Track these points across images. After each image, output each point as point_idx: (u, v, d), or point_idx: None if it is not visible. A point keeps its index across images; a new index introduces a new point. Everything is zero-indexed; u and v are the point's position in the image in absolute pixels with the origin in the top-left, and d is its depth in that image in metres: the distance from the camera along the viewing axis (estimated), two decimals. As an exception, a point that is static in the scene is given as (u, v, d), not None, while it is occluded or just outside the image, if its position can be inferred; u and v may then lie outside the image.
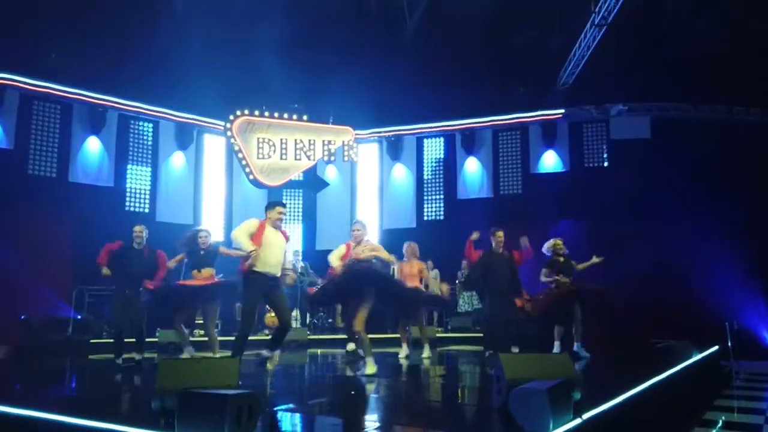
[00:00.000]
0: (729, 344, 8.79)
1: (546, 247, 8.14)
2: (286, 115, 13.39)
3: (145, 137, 13.25)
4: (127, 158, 12.96)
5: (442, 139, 14.93)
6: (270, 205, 5.65)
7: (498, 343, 7.34)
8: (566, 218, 13.35)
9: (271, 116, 13.18)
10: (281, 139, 13.07)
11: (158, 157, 13.32)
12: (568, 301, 7.70)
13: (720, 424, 5.79)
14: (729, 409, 6.53)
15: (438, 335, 11.49)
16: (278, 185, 12.20)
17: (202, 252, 6.89)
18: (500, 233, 7.72)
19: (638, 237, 12.27)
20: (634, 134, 13.28)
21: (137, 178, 13.07)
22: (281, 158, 12.89)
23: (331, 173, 14.93)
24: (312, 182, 13.69)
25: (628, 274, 11.86)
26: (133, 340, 7.03)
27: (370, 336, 5.76)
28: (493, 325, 7.88)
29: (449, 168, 14.68)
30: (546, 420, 2.93)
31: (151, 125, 13.32)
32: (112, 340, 7.36)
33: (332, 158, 13.56)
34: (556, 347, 7.84)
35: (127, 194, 12.88)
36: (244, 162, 12.67)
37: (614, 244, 12.40)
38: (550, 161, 13.89)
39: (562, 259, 7.99)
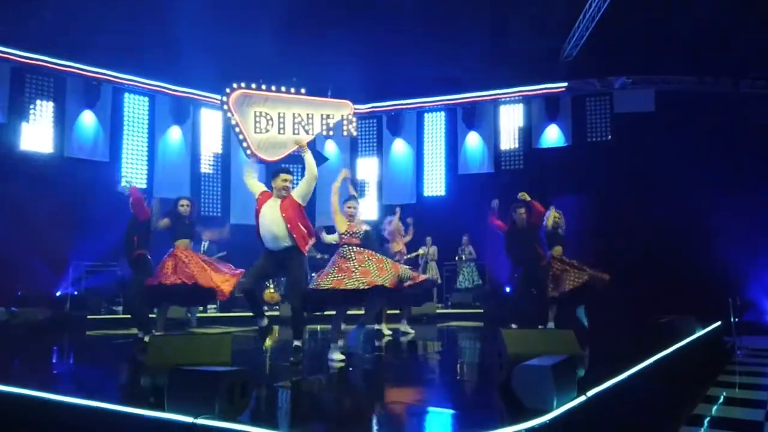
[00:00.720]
0: (732, 320, 8.70)
1: (545, 220, 7.89)
2: (283, 89, 13.13)
3: (140, 111, 13.02)
4: (123, 133, 12.75)
5: (443, 113, 14.69)
6: (274, 174, 5.44)
7: (526, 318, 7.39)
8: (569, 193, 13.19)
9: (269, 89, 12.92)
10: (279, 113, 12.83)
11: (154, 132, 13.11)
12: (582, 292, 7.54)
13: (721, 400, 5.72)
14: (731, 385, 6.46)
15: (438, 311, 11.44)
16: (276, 160, 11.99)
17: (186, 222, 6.68)
18: (522, 210, 7.55)
19: (641, 211, 12.16)
20: (638, 107, 13.05)
21: (133, 152, 12.88)
22: (279, 132, 12.66)
23: (330, 148, 14.73)
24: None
25: (631, 249, 11.80)
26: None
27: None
28: (522, 301, 7.80)
29: (450, 143, 14.47)
30: (550, 398, 2.82)
31: (146, 99, 13.09)
32: (109, 316, 7.27)
33: (331, 133, 13.35)
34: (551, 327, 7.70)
35: (123, 169, 12.71)
36: (241, 136, 12.46)
37: (617, 219, 12.35)
38: (552, 135, 13.68)
39: (561, 232, 7.82)
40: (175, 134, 13.36)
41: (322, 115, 13.11)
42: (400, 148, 14.71)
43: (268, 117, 12.68)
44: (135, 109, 12.94)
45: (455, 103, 14.29)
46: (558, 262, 7.59)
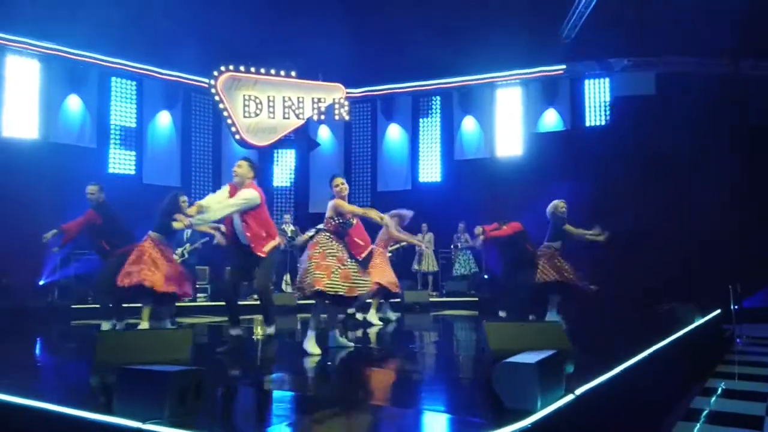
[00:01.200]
0: (732, 307, 8.47)
1: (550, 210, 7.61)
2: (273, 71, 12.80)
3: (128, 96, 12.72)
4: (110, 118, 12.46)
5: (438, 97, 14.37)
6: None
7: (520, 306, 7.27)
8: (567, 179, 12.92)
9: (258, 72, 12.58)
10: (269, 97, 12.50)
11: (143, 117, 12.81)
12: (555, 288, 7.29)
13: (719, 392, 5.51)
14: (729, 376, 6.24)
15: (432, 300, 11.22)
16: (266, 145, 11.71)
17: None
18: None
19: (641, 198, 11.89)
20: (638, 91, 12.72)
21: (122, 138, 12.60)
22: (269, 117, 12.35)
23: (324, 134, 14.44)
24: (303, 142, 13.21)
25: (630, 236, 11.54)
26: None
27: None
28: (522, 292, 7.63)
29: (446, 127, 14.17)
30: (534, 397, 2.58)
31: (134, 83, 12.77)
32: (97, 306, 7.03)
33: (322, 117, 13.03)
34: (552, 316, 7.45)
35: (111, 155, 12.44)
36: (229, 121, 12.15)
37: (615, 206, 12.07)
38: (550, 120, 13.37)
39: (562, 222, 7.54)
40: (164, 119, 13.06)
41: (313, 98, 12.79)
42: (394, 133, 14.41)
43: (258, 101, 12.36)
44: (123, 93, 12.63)
45: (451, 86, 13.96)
46: (548, 255, 7.31)
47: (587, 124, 13.21)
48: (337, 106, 12.88)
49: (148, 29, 11.71)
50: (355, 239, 7.33)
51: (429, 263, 12.52)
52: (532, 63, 13.23)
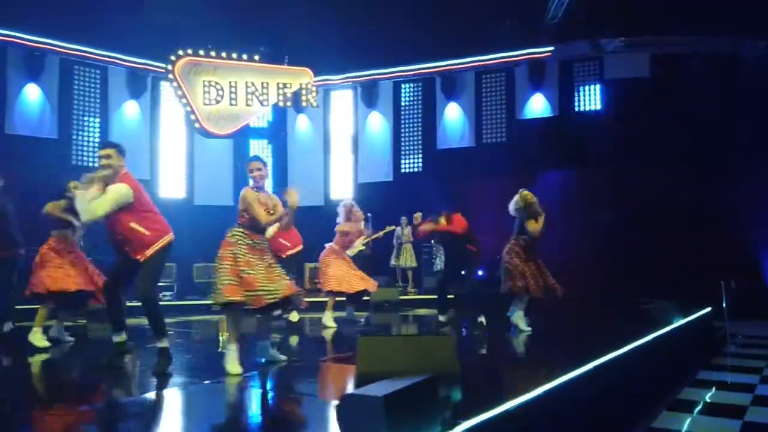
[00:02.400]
0: (724, 304, 7.75)
1: (514, 204, 6.72)
2: (234, 56, 12.06)
3: (92, 84, 12.13)
4: (73, 107, 11.88)
5: (420, 83, 13.66)
6: None
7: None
8: (555, 168, 12.22)
9: (219, 57, 11.86)
10: (230, 82, 11.78)
11: (108, 107, 12.22)
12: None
13: (702, 404, 4.83)
14: (717, 384, 5.55)
15: (409, 297, 10.59)
16: (227, 134, 11.05)
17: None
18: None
19: (635, 185, 11.19)
20: (632, 73, 11.93)
21: (85, 129, 12.02)
22: (230, 104, 11.66)
23: (302, 123, 13.80)
24: (272, 131, 12.55)
25: (623, 225, 10.85)
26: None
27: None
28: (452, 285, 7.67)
29: (428, 115, 13.47)
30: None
31: (98, 71, 12.18)
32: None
33: (288, 103, 12.32)
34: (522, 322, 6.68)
35: (74, 147, 11.88)
36: (188, 108, 11.51)
37: (607, 194, 11.36)
38: (537, 105, 12.61)
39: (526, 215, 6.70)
40: (131, 109, 12.46)
41: (278, 83, 12.08)
42: (376, 121, 13.72)
43: (219, 87, 11.69)
44: (86, 81, 12.04)
45: (433, 71, 13.24)
46: (516, 254, 6.52)
47: (577, 109, 12.43)
48: (304, 91, 12.16)
49: (112, 16, 11.09)
50: (280, 239, 6.71)
51: (407, 258, 11.88)
52: (517, 46, 12.46)
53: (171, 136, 12.91)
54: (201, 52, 11.67)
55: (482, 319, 7.09)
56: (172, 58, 11.51)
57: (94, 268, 5.72)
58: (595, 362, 3.82)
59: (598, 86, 12.35)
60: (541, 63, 12.45)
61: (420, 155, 13.52)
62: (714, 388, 5.37)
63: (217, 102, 11.63)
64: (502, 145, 12.80)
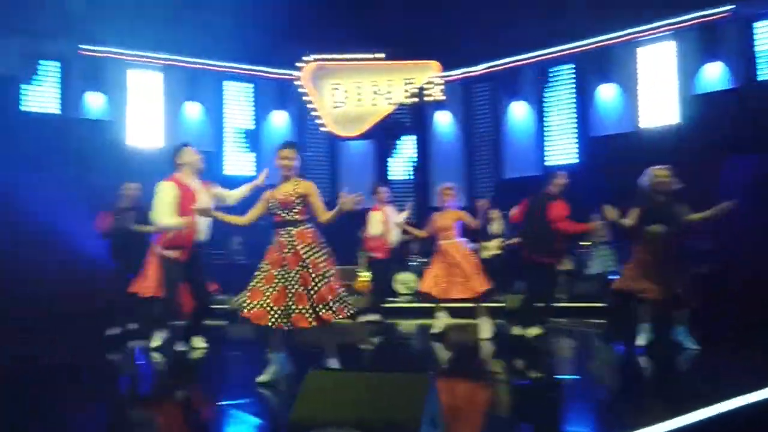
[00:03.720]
0: None
1: (644, 180, 5.62)
2: (359, 56, 11.82)
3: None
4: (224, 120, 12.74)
5: (572, 65, 12.30)
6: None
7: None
8: (738, 152, 10.10)
9: (343, 59, 11.66)
10: (356, 84, 11.61)
11: (258, 118, 12.88)
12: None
13: None
14: None
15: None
16: (354, 136, 10.89)
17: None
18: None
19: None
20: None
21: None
22: (357, 105, 11.48)
23: (444, 119, 13.28)
24: (413, 128, 12.14)
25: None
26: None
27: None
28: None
29: (579, 100, 12.10)
30: None
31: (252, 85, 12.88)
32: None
33: (416, 99, 11.79)
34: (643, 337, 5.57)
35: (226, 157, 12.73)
36: (315, 113, 11.56)
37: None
38: (712, 77, 10.60)
39: (662, 199, 5.51)
40: (279, 119, 12.98)
41: (404, 79, 11.65)
42: (519, 112, 12.72)
43: (345, 89, 11.59)
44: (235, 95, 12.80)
45: (583, 49, 11.84)
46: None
47: (759, 78, 10.21)
48: (429, 86, 11.55)
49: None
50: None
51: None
52: (684, 9, 10.59)
53: (316, 141, 13.19)
54: (327, 56, 11.71)
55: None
56: (301, 64, 11.69)
57: None
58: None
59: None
60: (713, 26, 10.44)
61: (572, 144, 12.22)
62: None
63: (344, 104, 11.62)
64: (670, 126, 10.97)
